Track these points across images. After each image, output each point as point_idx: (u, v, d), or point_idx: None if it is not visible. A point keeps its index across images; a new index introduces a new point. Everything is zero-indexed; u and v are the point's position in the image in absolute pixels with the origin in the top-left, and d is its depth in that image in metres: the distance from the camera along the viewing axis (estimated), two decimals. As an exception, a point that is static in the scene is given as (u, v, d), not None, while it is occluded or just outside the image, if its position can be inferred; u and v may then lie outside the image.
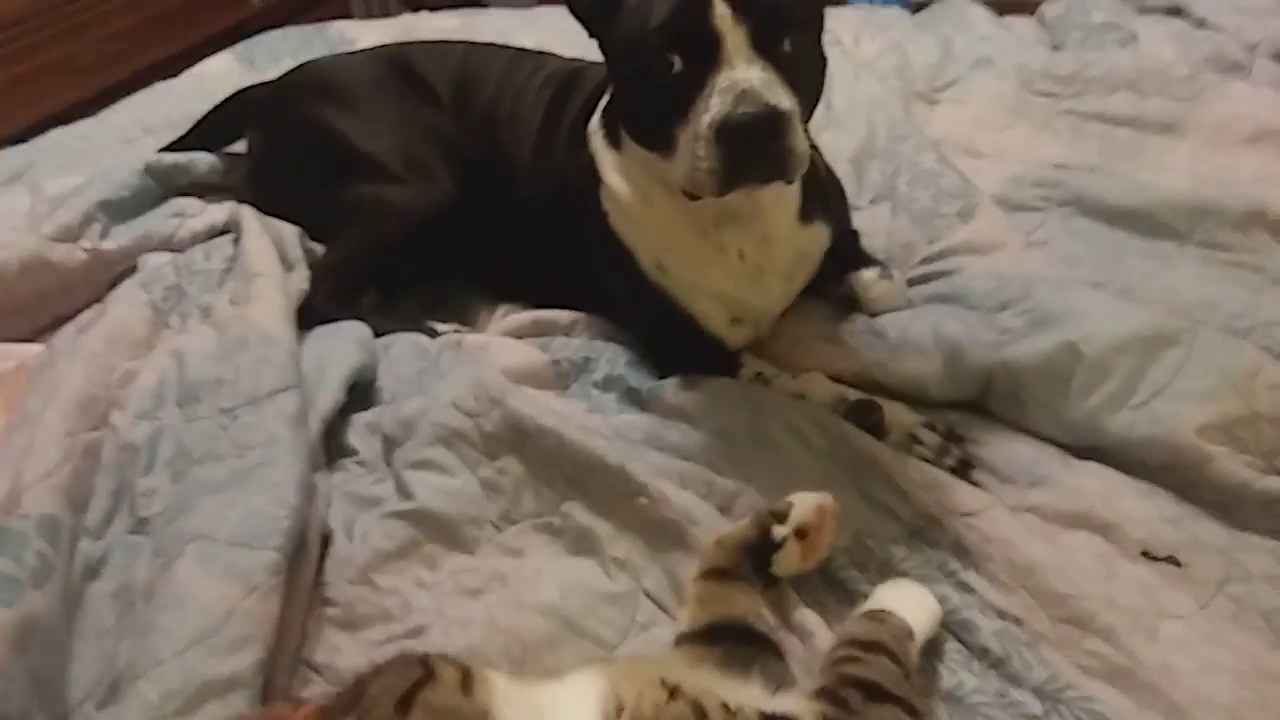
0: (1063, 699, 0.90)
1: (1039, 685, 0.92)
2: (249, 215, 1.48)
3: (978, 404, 1.25)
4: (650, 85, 1.12)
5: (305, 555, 1.05)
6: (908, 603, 0.94)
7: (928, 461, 1.17)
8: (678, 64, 1.08)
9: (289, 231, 1.51)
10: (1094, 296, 1.26)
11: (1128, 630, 0.95)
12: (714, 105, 1.05)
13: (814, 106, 1.18)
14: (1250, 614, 0.96)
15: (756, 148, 1.05)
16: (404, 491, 1.17)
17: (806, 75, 1.13)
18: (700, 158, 1.07)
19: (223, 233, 1.56)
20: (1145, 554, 1.03)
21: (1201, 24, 1.96)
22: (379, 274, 1.57)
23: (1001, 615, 0.99)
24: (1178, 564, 1.01)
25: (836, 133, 1.79)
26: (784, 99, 1.05)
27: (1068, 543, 1.05)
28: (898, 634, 0.89)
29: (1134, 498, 1.07)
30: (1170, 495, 1.07)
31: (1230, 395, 1.08)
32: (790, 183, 1.12)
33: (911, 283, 1.48)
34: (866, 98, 1.85)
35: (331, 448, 1.24)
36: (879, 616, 0.91)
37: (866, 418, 1.23)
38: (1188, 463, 1.06)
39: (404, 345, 1.40)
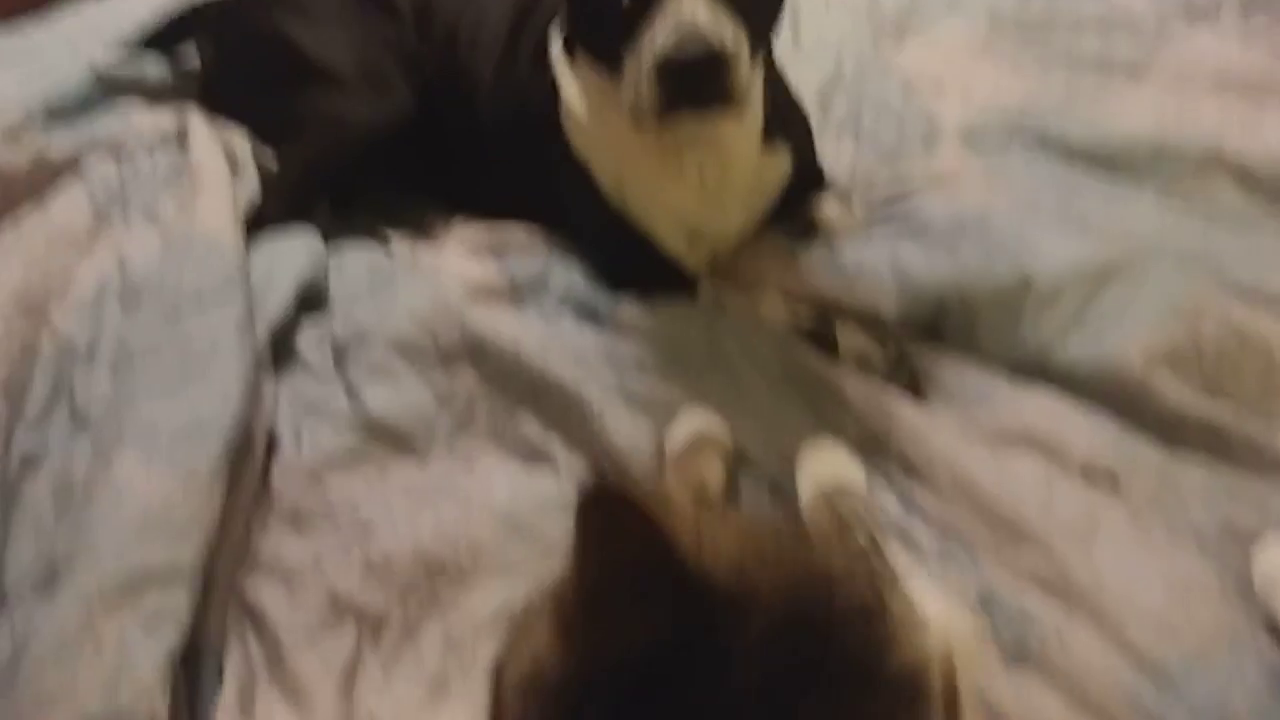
0: (996, 602, 0.93)
1: (975, 592, 0.94)
2: (197, 119, 1.45)
3: (930, 329, 1.26)
4: (600, 10, 1.11)
5: (250, 455, 1.05)
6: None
7: (878, 381, 1.18)
8: None
9: (240, 138, 1.48)
10: (1049, 228, 1.27)
11: (1062, 543, 0.97)
12: (658, 39, 1.04)
13: (767, 36, 1.17)
14: (1182, 529, 0.99)
15: (695, 83, 1.05)
16: (355, 399, 1.16)
17: (758, 8, 1.12)
18: (641, 90, 1.07)
19: (173, 140, 1.52)
20: (1084, 473, 1.05)
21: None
22: (333, 186, 1.54)
23: (943, 527, 1.01)
24: (1116, 482, 1.03)
25: (804, 65, 1.77)
26: (729, 35, 1.04)
27: (1010, 460, 1.06)
28: None
29: (1077, 418, 1.09)
30: (1112, 417, 1.09)
31: (1176, 325, 1.09)
32: (733, 112, 1.11)
33: (871, 214, 1.48)
34: (836, 32, 1.85)
35: (279, 353, 1.23)
36: None
37: (819, 338, 1.24)
38: (1131, 389, 1.08)
39: (357, 255, 1.39)
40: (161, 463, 0.94)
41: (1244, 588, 0.93)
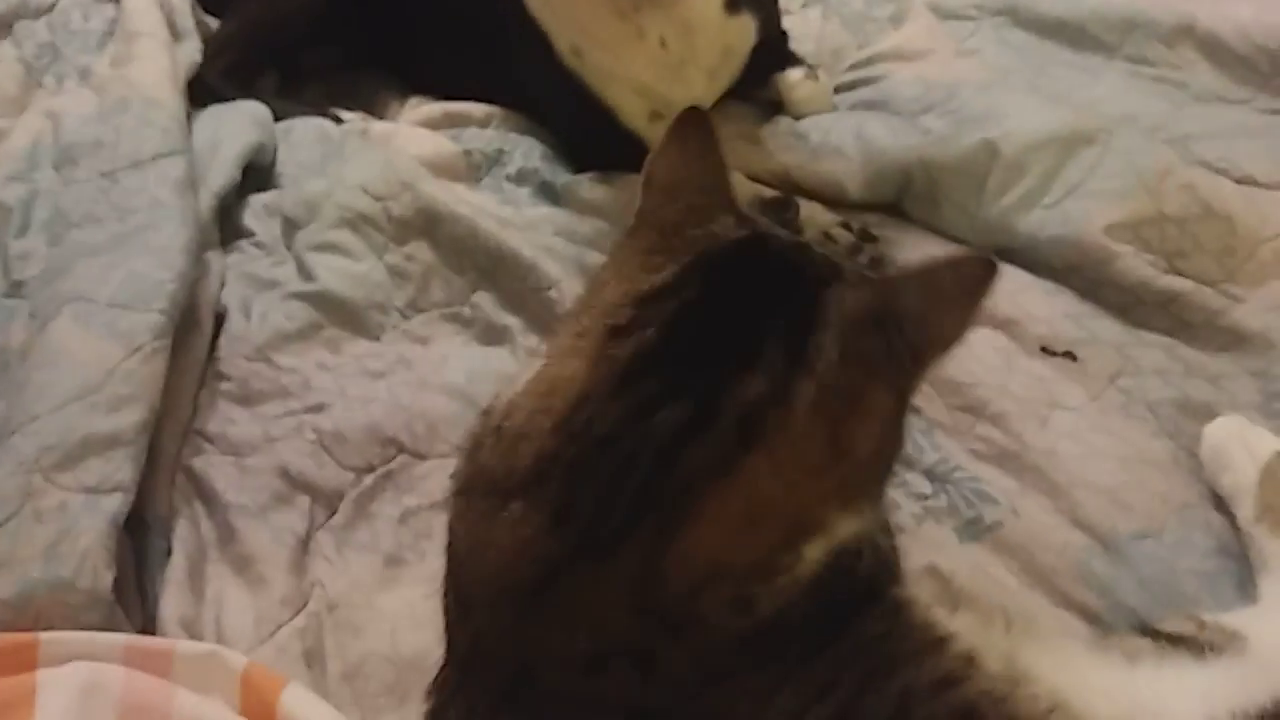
0: (951, 480, 0.93)
1: (930, 467, 0.94)
2: (133, -24, 1.36)
3: (895, 207, 1.24)
4: None
5: (197, 329, 1.02)
6: None
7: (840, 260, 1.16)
8: None
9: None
10: (1017, 98, 1.24)
11: (1019, 417, 0.97)
12: None
13: None
14: (1138, 405, 0.99)
15: None
16: (305, 274, 1.13)
17: None
18: None
19: (108, 1, 1.44)
20: (1044, 349, 1.04)
21: None
22: (279, 53, 1.48)
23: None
24: (1074, 359, 1.03)
25: (772, -68, 1.71)
26: None
27: (971, 337, 1.05)
28: None
29: (1038, 295, 1.08)
30: (1073, 294, 1.08)
31: (1140, 195, 1.08)
32: None
33: (839, 89, 1.45)
34: (804, -102, 1.76)
35: (226, 229, 1.19)
36: None
37: (781, 215, 1.21)
38: (1093, 261, 1.07)
39: (306, 129, 1.34)
40: (101, 329, 0.91)
41: (1196, 464, 0.93)
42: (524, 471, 0.60)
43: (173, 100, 1.15)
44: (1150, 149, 1.13)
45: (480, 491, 0.63)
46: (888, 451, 0.63)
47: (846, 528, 0.61)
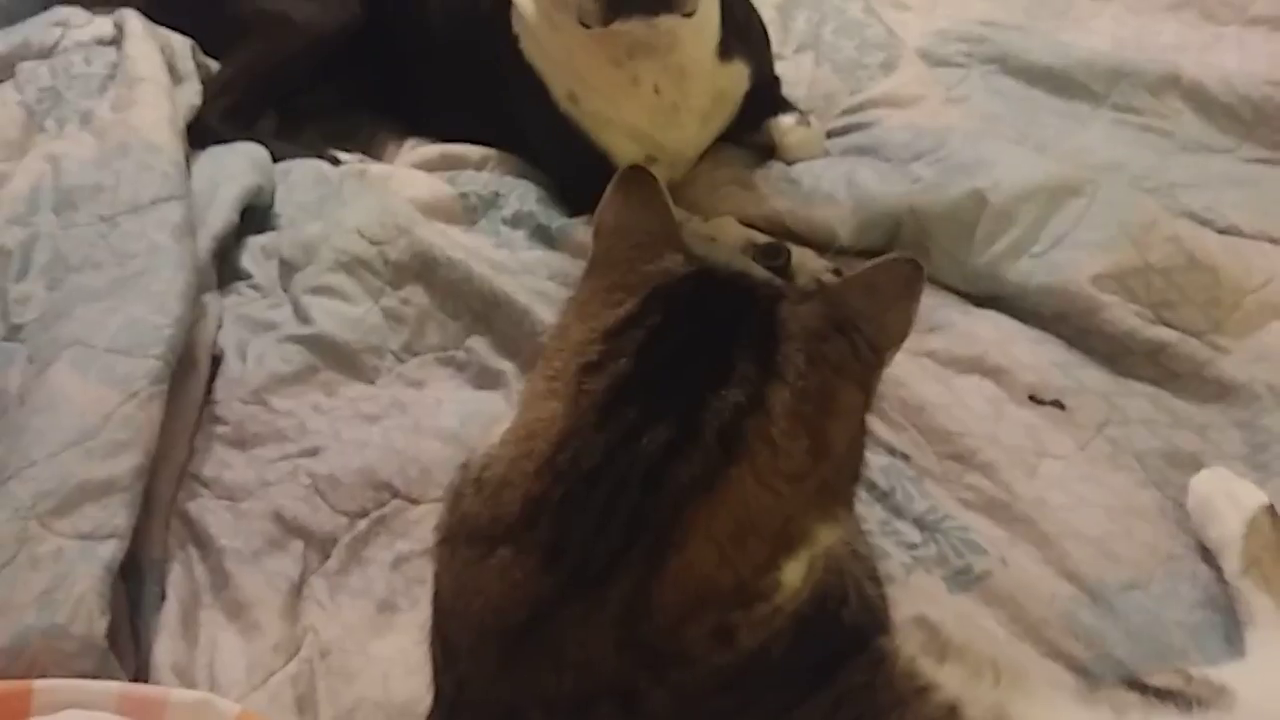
0: (940, 529, 0.94)
1: (919, 515, 0.95)
2: (134, 19, 1.38)
3: (885, 252, 1.25)
4: None
5: (194, 372, 1.03)
6: None
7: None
8: None
9: (180, 42, 1.42)
10: (1005, 148, 1.26)
11: (1008, 467, 0.98)
12: None
13: None
14: (1125, 455, 1.00)
15: None
16: (302, 317, 1.14)
17: None
18: None
19: (109, 44, 1.45)
20: (1032, 398, 1.06)
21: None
22: (278, 96, 1.49)
23: (891, 451, 1.02)
24: (1062, 407, 1.04)
25: (765, -22, 1.74)
26: None
27: (960, 385, 1.07)
28: None
29: (1026, 344, 1.10)
30: (1061, 342, 1.10)
31: (1126, 246, 1.10)
32: (689, 15, 1.08)
33: (830, 134, 1.46)
34: (797, -57, 1.79)
35: (224, 270, 1.20)
36: None
37: (774, 260, 1.23)
38: (1080, 310, 1.08)
39: (304, 171, 1.35)
40: (98, 375, 0.92)
41: (1183, 514, 0.95)
42: (511, 517, 0.62)
43: (172, 145, 1.16)
44: (1135, 201, 1.15)
45: (464, 540, 0.65)
46: (858, 449, 0.69)
47: (826, 536, 0.64)
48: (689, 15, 1.09)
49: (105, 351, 0.93)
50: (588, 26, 1.11)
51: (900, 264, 0.70)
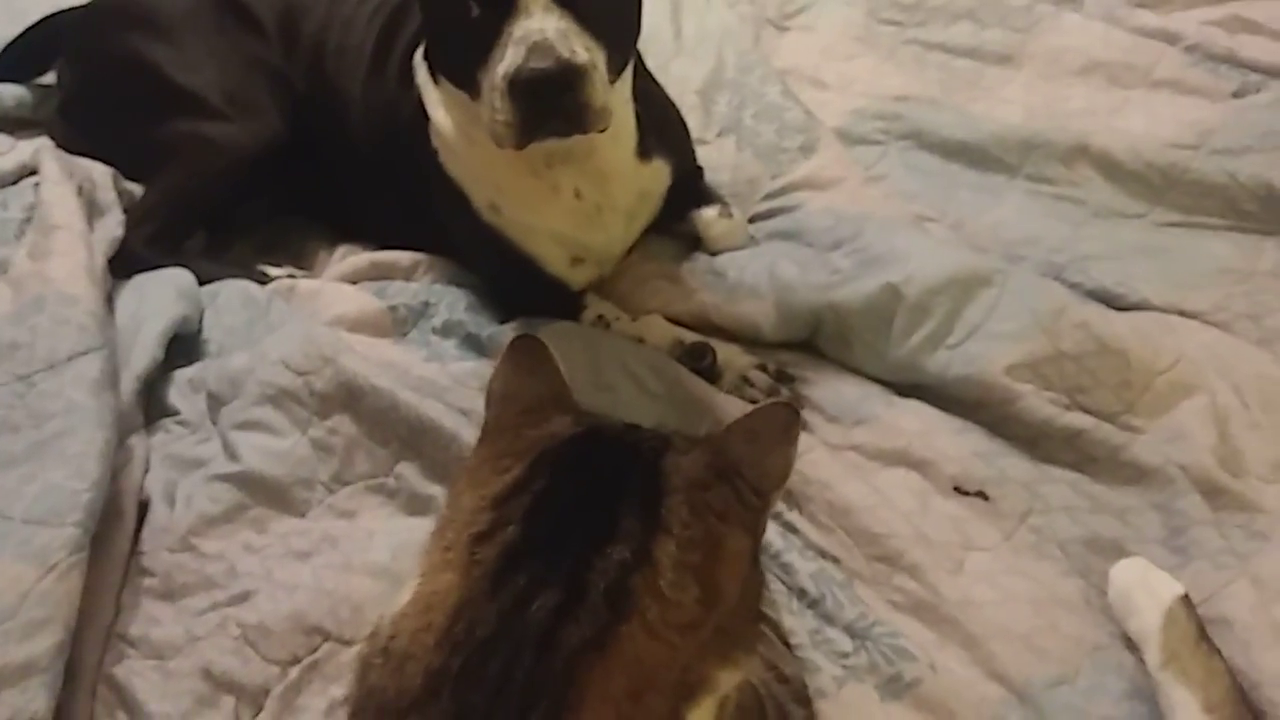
0: (870, 635, 0.95)
1: (850, 623, 0.96)
2: (50, 160, 1.38)
3: (809, 343, 1.27)
4: (452, 28, 1.09)
5: (119, 525, 1.02)
6: None
7: (758, 404, 1.18)
8: (475, 9, 1.05)
9: (100, 173, 1.42)
10: (917, 238, 1.29)
11: (934, 566, 0.99)
12: (508, 56, 1.02)
13: (627, 52, 1.16)
14: (1048, 544, 1.02)
15: (550, 101, 1.03)
16: (230, 453, 1.13)
17: (615, 21, 1.10)
18: (497, 109, 1.04)
19: (31, 173, 1.45)
20: (957, 489, 1.07)
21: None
22: (204, 216, 1.49)
23: (820, 555, 1.03)
24: (986, 498, 1.06)
25: (686, 61, 1.76)
26: (581, 51, 1.02)
27: (885, 480, 1.08)
28: None
29: (949, 434, 1.11)
30: (982, 431, 1.12)
31: (1037, 335, 1.12)
32: (601, 131, 1.09)
33: (754, 218, 1.49)
34: (717, 25, 1.83)
35: (150, 407, 1.20)
36: None
37: (700, 360, 1.24)
38: (997, 400, 1.11)
39: (231, 293, 1.35)
40: (14, 550, 0.90)
41: (1107, 603, 0.96)
42: (415, 690, 0.63)
43: (88, 293, 1.15)
44: (1044, 288, 1.18)
45: (373, 713, 0.65)
46: (752, 591, 0.72)
47: (728, 681, 0.66)
48: (602, 131, 1.11)
49: (22, 524, 0.92)
50: (502, 148, 1.13)
51: (778, 410, 0.74)
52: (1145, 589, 0.91)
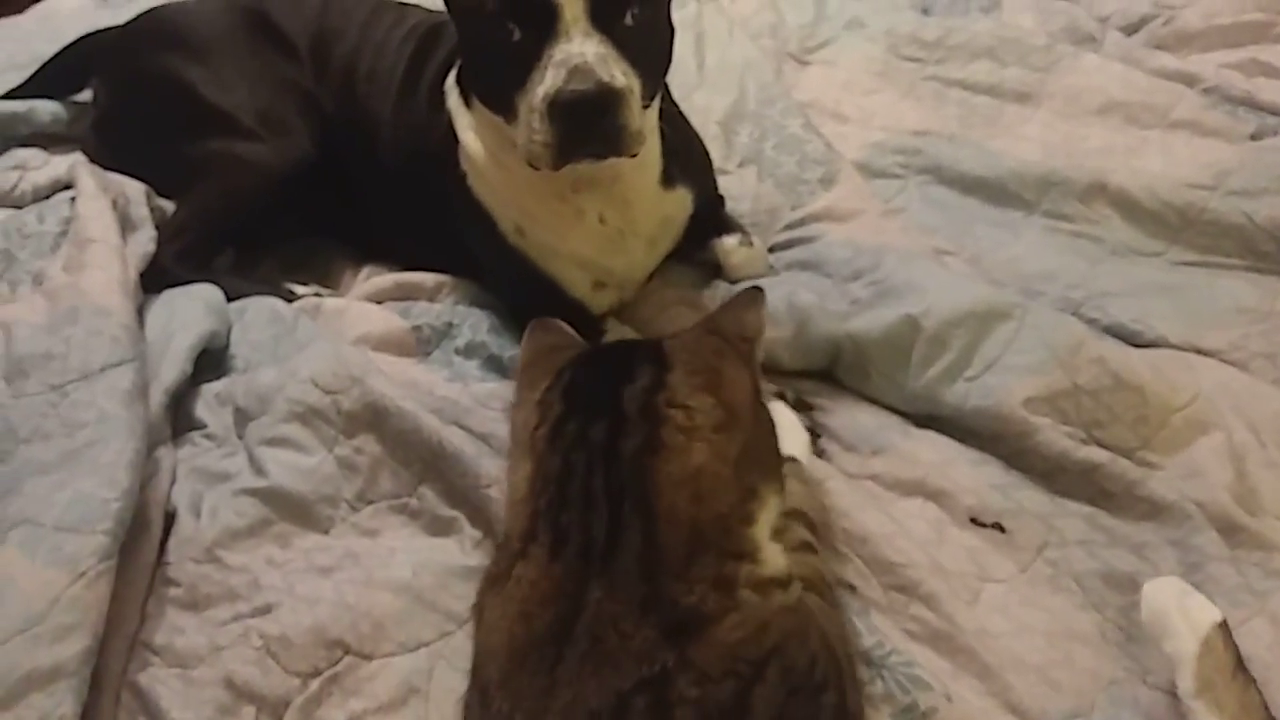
0: (886, 664, 0.95)
1: (866, 651, 0.96)
2: (85, 174, 1.41)
3: (828, 372, 1.28)
4: (491, 52, 1.11)
5: (146, 535, 1.03)
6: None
7: (777, 432, 1.19)
8: (516, 33, 1.07)
9: (134, 189, 1.45)
10: (936, 270, 1.30)
11: (950, 596, 1.00)
12: (548, 78, 1.05)
13: (660, 80, 1.18)
14: (1064, 577, 1.03)
15: (589, 124, 1.06)
16: (257, 468, 1.15)
17: (650, 49, 1.13)
18: (535, 130, 1.07)
19: (66, 187, 1.48)
20: (973, 520, 1.08)
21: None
22: (233, 234, 1.52)
23: (838, 581, 1.03)
24: (1002, 530, 1.07)
25: (708, 93, 1.79)
26: (619, 75, 1.05)
27: (902, 510, 1.09)
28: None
29: (966, 466, 1.12)
30: (999, 464, 1.12)
31: (1054, 369, 1.13)
32: (634, 155, 1.12)
33: (774, 249, 1.51)
34: (740, 57, 1.86)
35: (178, 420, 1.21)
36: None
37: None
38: (1014, 433, 1.11)
39: (259, 310, 1.37)
40: (45, 556, 0.92)
41: (1122, 637, 0.97)
42: (518, 540, 0.80)
43: (121, 306, 1.17)
44: (1061, 322, 1.19)
45: (491, 583, 0.82)
46: (766, 422, 0.89)
47: (774, 503, 0.84)
48: (634, 150, 1.13)
49: (54, 530, 0.94)
50: (536, 169, 1.15)
51: (746, 291, 0.97)
52: (1182, 613, 0.89)
